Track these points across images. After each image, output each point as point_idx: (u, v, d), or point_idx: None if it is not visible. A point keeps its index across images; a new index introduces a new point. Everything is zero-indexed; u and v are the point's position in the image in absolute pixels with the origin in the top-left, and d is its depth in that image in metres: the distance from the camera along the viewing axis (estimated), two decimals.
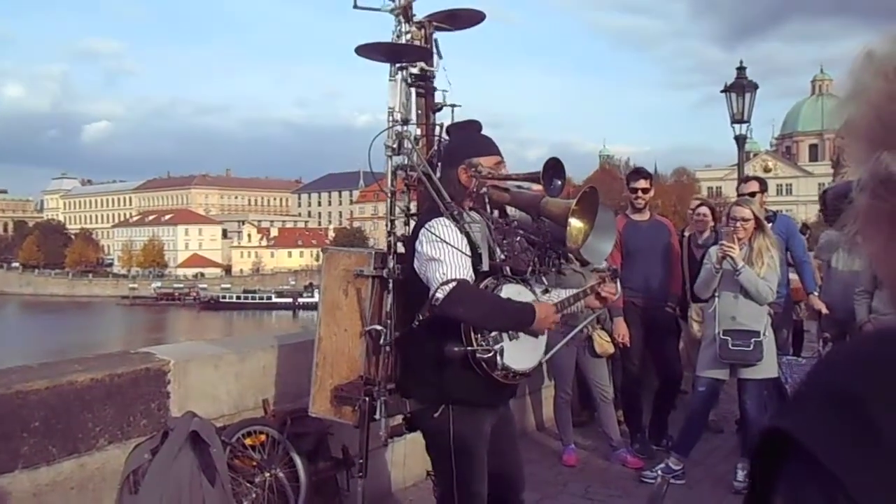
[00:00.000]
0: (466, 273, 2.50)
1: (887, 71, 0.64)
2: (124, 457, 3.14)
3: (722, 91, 10.79)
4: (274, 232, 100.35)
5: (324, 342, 3.06)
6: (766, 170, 70.31)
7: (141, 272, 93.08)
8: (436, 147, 2.97)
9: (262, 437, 3.50)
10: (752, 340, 4.34)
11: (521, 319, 2.57)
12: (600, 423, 5.17)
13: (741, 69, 10.73)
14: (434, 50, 3.10)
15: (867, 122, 0.66)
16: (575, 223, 2.62)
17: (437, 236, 2.52)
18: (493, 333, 2.54)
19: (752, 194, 5.33)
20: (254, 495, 3.34)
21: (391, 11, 3.05)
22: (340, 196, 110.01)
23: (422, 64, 3.05)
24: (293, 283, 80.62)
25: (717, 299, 4.47)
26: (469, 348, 2.50)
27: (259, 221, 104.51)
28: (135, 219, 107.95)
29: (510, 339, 2.59)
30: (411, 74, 3.03)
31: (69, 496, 2.98)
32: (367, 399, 2.84)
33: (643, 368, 5.43)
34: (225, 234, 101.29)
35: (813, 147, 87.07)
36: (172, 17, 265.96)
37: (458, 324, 2.51)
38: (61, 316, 64.43)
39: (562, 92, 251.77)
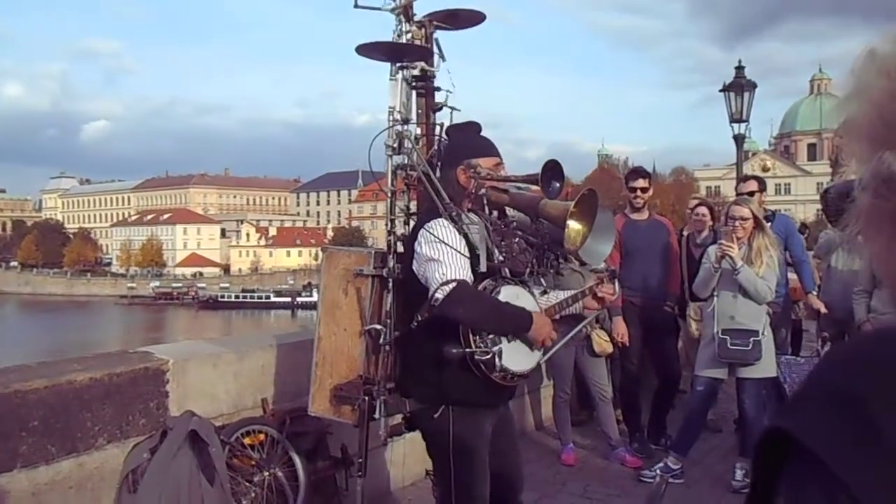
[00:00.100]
0: (465, 274, 2.50)
1: (889, 69, 0.64)
2: (123, 456, 3.13)
3: (720, 90, 10.80)
4: (272, 231, 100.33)
5: (323, 341, 3.06)
6: (765, 169, 70.37)
7: (139, 271, 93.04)
8: (436, 147, 2.97)
9: (261, 437, 3.50)
10: (751, 340, 4.34)
11: (518, 324, 2.58)
12: (599, 422, 5.17)
13: (740, 69, 10.74)
14: (436, 50, 3.10)
15: (869, 120, 0.66)
16: (573, 225, 2.62)
17: (435, 237, 2.53)
18: (492, 335, 2.55)
19: (751, 193, 5.33)
20: (253, 494, 3.34)
21: (392, 11, 3.05)
22: (339, 195, 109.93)
23: (422, 64, 3.05)
24: (292, 282, 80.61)
25: (715, 298, 4.47)
26: (467, 350, 2.50)
27: (257, 221, 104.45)
28: (133, 218, 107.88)
29: (508, 341, 2.59)
30: (412, 75, 3.03)
31: (68, 495, 2.98)
32: (366, 398, 2.84)
33: (642, 368, 5.43)
34: (223, 233, 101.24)
35: (811, 146, 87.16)
36: (172, 16, 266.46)
37: (457, 325, 2.51)
38: (60, 315, 64.38)
39: (561, 92, 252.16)
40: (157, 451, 3.09)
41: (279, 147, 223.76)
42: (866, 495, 0.55)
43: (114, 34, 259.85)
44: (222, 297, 75.83)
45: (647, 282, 5.18)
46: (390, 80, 2.96)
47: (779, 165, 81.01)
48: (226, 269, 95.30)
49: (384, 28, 3.03)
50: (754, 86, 10.74)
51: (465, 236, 2.57)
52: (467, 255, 2.54)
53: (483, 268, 2.57)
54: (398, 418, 2.89)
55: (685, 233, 5.84)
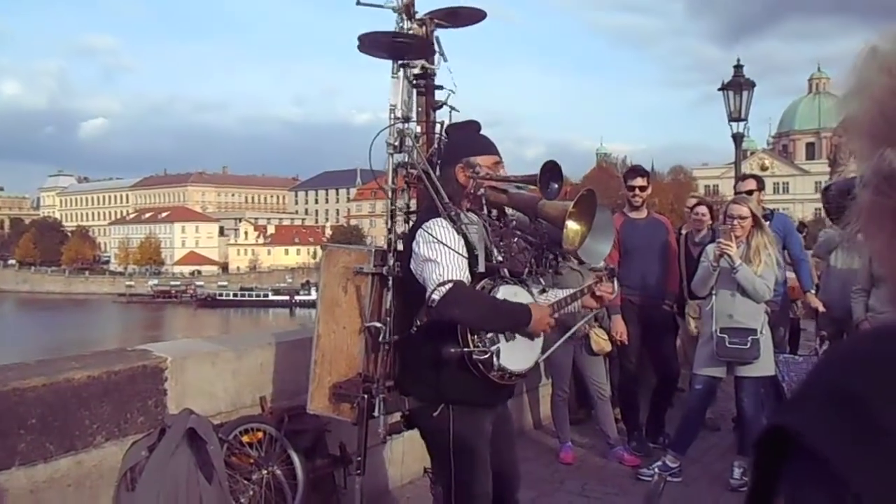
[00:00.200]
0: (463, 274, 2.50)
1: (891, 66, 0.64)
2: (121, 454, 3.13)
3: (719, 89, 10.78)
4: (271, 229, 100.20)
5: (322, 339, 3.06)
6: (763, 168, 70.24)
7: (137, 270, 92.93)
8: (436, 145, 2.97)
9: (260, 435, 3.50)
10: (749, 338, 4.35)
11: (517, 321, 2.58)
12: (597, 420, 5.18)
13: (738, 67, 10.73)
14: (437, 49, 3.10)
15: (870, 117, 0.66)
16: (572, 225, 2.62)
17: (433, 237, 2.53)
18: (490, 334, 2.55)
19: (750, 192, 5.34)
20: (251, 492, 3.33)
21: (393, 8, 3.05)
22: (337, 194, 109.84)
23: (423, 62, 3.05)
24: (290, 280, 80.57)
25: (714, 297, 4.47)
26: (465, 349, 2.50)
27: (256, 219, 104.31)
28: (131, 216, 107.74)
29: (507, 340, 2.59)
30: (413, 73, 3.03)
31: (66, 493, 2.98)
32: (365, 396, 2.84)
33: (640, 366, 5.43)
34: (222, 231, 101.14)
35: (810, 145, 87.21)
36: (170, 13, 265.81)
37: (455, 325, 2.51)
38: (58, 313, 64.30)
39: (560, 90, 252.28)
40: (156, 449, 3.09)
41: (278, 145, 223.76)
42: (867, 492, 0.55)
43: (112, 31, 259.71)
44: (220, 295, 75.75)
45: (646, 280, 5.18)
46: (392, 77, 2.96)
47: (777, 164, 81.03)
48: (224, 267, 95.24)
49: (385, 25, 3.04)
50: (753, 84, 10.72)
51: (464, 236, 2.57)
52: (465, 255, 2.54)
53: (481, 268, 2.57)
54: (397, 416, 2.89)
55: (683, 231, 5.85)
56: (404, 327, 2.73)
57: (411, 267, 2.61)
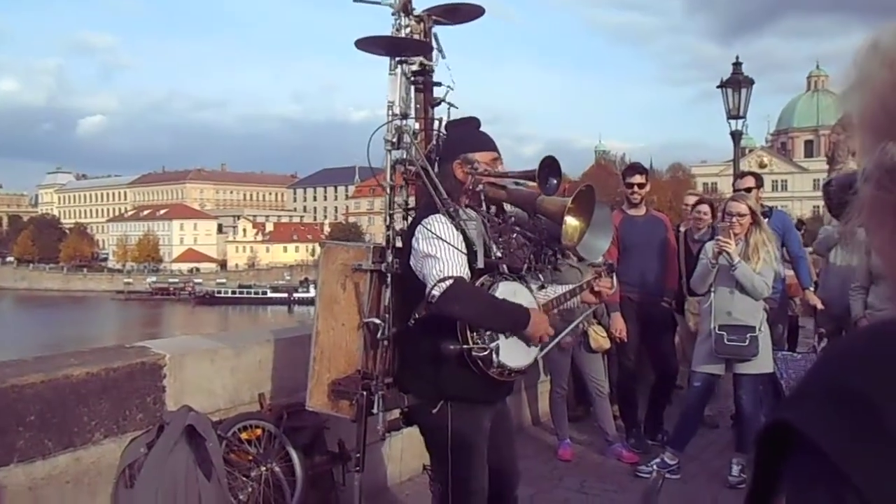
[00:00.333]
0: (462, 270, 2.50)
1: (892, 61, 0.64)
2: (120, 451, 3.13)
3: (718, 87, 10.77)
4: (269, 227, 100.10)
5: (321, 336, 3.06)
6: (762, 166, 70.40)
7: (136, 267, 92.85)
8: (434, 142, 2.96)
9: (258, 432, 3.50)
10: (748, 335, 4.35)
11: (515, 321, 2.58)
12: (596, 417, 5.18)
13: (737, 65, 10.71)
14: (435, 46, 3.09)
15: (872, 111, 0.65)
16: (571, 221, 2.62)
17: (433, 233, 2.52)
18: (489, 332, 2.54)
19: (748, 190, 5.34)
20: (250, 489, 3.34)
21: (390, 5, 3.04)
22: (336, 191, 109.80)
23: (421, 59, 3.05)
24: (288, 277, 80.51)
25: (712, 294, 4.48)
26: (465, 346, 2.50)
27: (254, 216, 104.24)
28: (130, 213, 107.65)
29: (506, 337, 2.59)
30: (411, 70, 3.02)
31: (64, 490, 2.98)
32: (364, 393, 2.84)
33: (639, 363, 5.44)
34: (220, 228, 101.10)
35: (808, 143, 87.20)
36: (168, 10, 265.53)
37: (454, 321, 2.51)
38: (56, 310, 64.25)
39: (559, 88, 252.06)
40: (154, 445, 3.09)
41: (276, 143, 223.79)
42: (867, 487, 0.55)
43: (110, 28, 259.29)
44: (219, 292, 75.74)
45: (645, 277, 5.19)
46: (390, 74, 2.96)
47: (776, 162, 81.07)
48: (222, 264, 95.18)
49: (383, 22, 3.04)
50: (751, 82, 10.71)
51: (463, 232, 2.57)
52: (464, 251, 2.54)
53: (480, 264, 2.57)
54: (396, 413, 2.89)
55: (682, 228, 5.85)
56: (403, 324, 2.73)
57: (411, 263, 2.61)
